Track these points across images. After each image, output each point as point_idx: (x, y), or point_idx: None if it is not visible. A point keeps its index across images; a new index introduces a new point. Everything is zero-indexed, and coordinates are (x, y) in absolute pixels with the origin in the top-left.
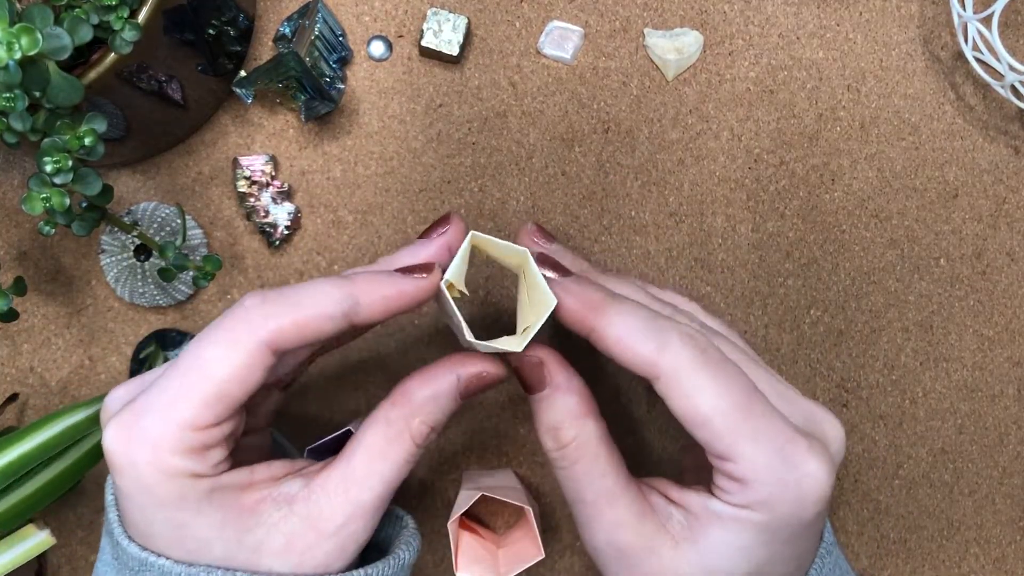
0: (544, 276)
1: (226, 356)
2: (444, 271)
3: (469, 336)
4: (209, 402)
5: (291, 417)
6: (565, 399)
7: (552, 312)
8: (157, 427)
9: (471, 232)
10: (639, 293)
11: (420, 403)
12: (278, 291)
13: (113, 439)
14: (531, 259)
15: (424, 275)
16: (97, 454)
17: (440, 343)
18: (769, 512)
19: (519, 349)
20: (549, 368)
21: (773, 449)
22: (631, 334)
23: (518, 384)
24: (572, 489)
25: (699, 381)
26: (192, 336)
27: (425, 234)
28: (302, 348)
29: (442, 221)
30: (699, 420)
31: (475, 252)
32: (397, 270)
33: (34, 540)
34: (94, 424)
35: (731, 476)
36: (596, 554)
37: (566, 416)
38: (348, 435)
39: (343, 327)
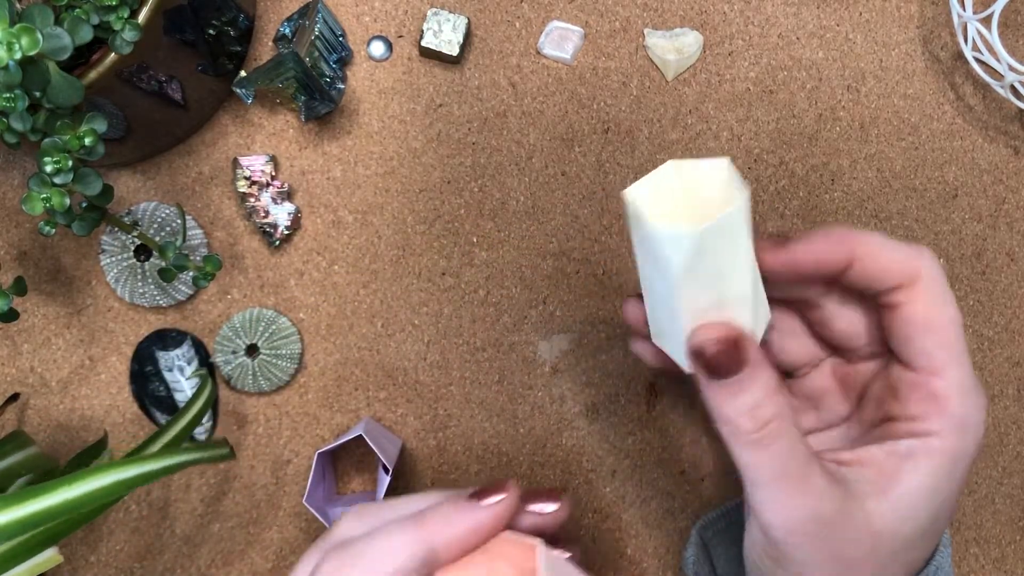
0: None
1: None
2: (513, 492)
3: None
4: None
5: (291, 417)
6: (767, 374)
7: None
8: None
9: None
10: None
11: None
12: (349, 551)
13: None
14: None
15: (501, 495)
16: (122, 491)
17: (441, 344)
18: (959, 437)
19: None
20: (745, 344)
21: (970, 371)
22: (888, 245)
23: (514, 384)
24: (769, 468)
25: (947, 292)
26: (192, 336)
27: (480, 495)
28: None
29: (496, 488)
30: (936, 326)
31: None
32: (471, 495)
33: (42, 557)
34: (143, 481)
35: (934, 394)
36: (790, 536)
37: (767, 392)
38: (359, 439)
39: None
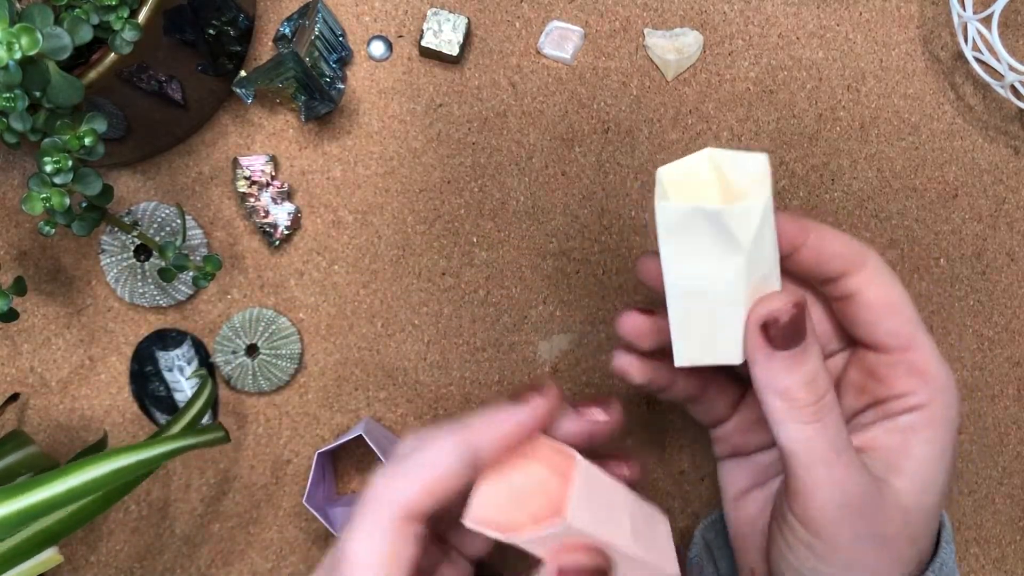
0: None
1: (370, 544)
2: (551, 392)
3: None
4: None
5: (291, 417)
6: (818, 345)
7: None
8: None
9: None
10: None
11: None
12: (400, 459)
13: None
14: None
15: (538, 394)
16: (125, 488)
17: (441, 344)
18: (947, 402)
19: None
20: (808, 311)
21: (932, 340)
22: (837, 233)
23: (514, 384)
24: (824, 442)
25: (893, 276)
26: (192, 336)
27: (520, 397)
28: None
29: (534, 388)
30: (896, 307)
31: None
32: (510, 398)
33: (42, 557)
34: (140, 468)
35: (914, 368)
36: (844, 513)
37: (821, 364)
38: (359, 439)
39: (472, 477)
